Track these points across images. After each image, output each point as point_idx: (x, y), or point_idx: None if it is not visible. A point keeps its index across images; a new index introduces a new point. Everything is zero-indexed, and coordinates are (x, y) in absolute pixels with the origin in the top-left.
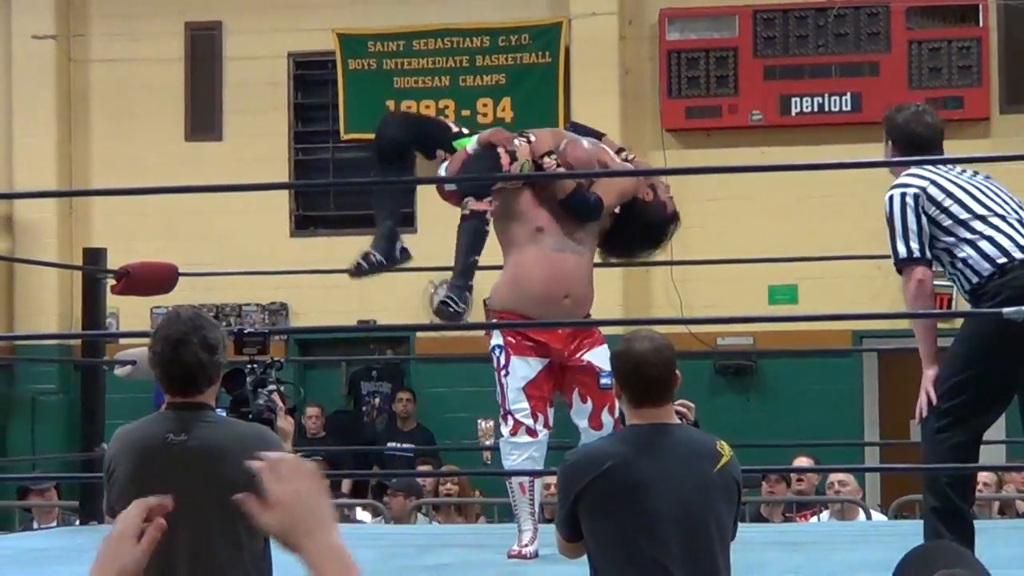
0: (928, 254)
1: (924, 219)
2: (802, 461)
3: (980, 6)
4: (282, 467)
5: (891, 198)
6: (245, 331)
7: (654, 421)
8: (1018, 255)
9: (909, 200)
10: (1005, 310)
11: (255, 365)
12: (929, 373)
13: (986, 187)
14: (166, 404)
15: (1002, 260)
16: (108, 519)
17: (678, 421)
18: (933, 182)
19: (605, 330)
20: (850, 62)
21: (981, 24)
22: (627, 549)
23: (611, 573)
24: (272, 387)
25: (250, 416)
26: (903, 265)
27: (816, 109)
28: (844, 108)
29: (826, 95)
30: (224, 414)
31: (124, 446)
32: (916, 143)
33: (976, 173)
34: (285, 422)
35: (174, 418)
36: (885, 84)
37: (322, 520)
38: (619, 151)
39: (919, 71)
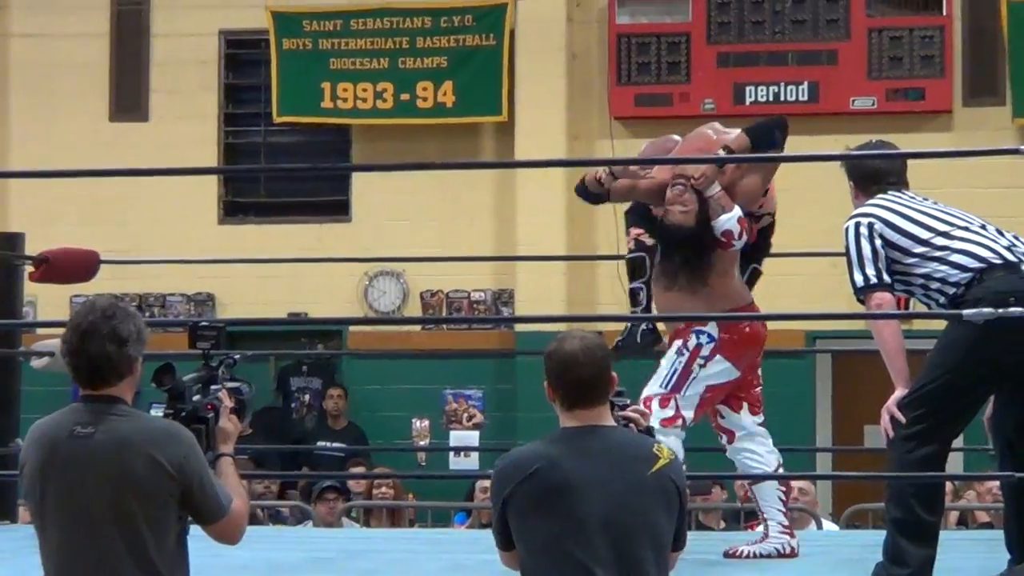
0: (886, 278)
1: (880, 244)
2: None
3: None
4: None
5: (847, 229)
6: (200, 323)
7: (587, 423)
8: (995, 260)
9: (863, 229)
10: (964, 312)
11: (208, 360)
12: (898, 394)
13: (942, 208)
14: (80, 397)
15: (977, 266)
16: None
17: (613, 424)
18: (889, 208)
19: (551, 325)
20: (807, 50)
21: (945, 12)
22: (553, 553)
23: None
24: (224, 385)
25: (183, 413)
26: (861, 293)
27: (771, 99)
28: (800, 98)
29: (782, 84)
30: (159, 410)
31: (34, 439)
32: (873, 177)
33: (926, 199)
34: (228, 422)
35: (84, 410)
36: (844, 73)
37: None
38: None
39: (879, 60)
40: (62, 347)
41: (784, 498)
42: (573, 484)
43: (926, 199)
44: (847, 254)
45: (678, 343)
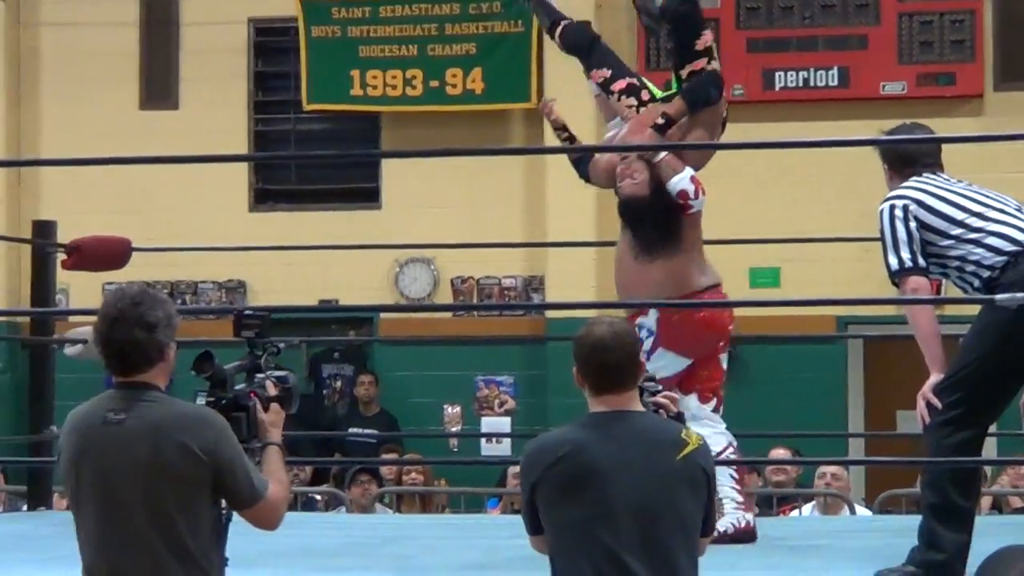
0: (922, 262)
1: (915, 227)
2: (779, 452)
3: None
4: None
5: (881, 212)
6: (244, 311)
7: (615, 408)
8: None
9: (898, 212)
10: (997, 297)
11: (252, 349)
12: (933, 379)
13: (976, 189)
14: (113, 384)
15: (1012, 249)
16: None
17: (641, 409)
18: (923, 190)
19: (581, 311)
20: (837, 35)
21: None
22: (582, 538)
23: (566, 563)
24: (268, 373)
25: (223, 402)
26: (897, 277)
27: (801, 84)
28: (830, 83)
29: (812, 69)
30: (203, 399)
31: (69, 427)
32: (907, 159)
33: (960, 181)
34: (270, 412)
35: (116, 397)
36: (874, 58)
37: None
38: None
39: (909, 45)
40: (93, 335)
41: (736, 476)
42: (601, 469)
43: (960, 181)
44: (882, 237)
45: None
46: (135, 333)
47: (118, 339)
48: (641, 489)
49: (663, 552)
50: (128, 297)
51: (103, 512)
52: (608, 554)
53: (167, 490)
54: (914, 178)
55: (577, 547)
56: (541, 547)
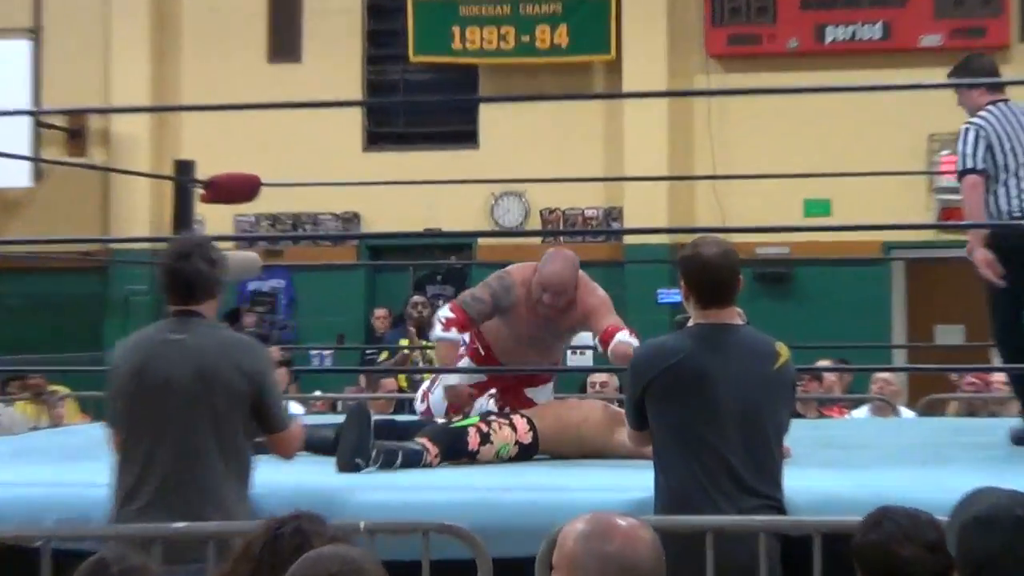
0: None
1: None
2: (824, 363)
3: None
4: None
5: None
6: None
7: (718, 321)
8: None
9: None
10: None
11: (264, 323)
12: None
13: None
14: (170, 312)
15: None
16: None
17: (740, 323)
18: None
19: (654, 238)
20: None
21: None
22: (689, 436)
23: (672, 457)
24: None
25: None
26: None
27: (849, 37)
28: (874, 36)
29: (859, 24)
30: None
31: (131, 345)
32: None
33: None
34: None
35: (175, 322)
36: (913, 14)
37: None
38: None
39: (944, 2)
40: (159, 270)
41: None
42: (708, 375)
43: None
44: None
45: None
46: (200, 265)
47: (187, 270)
48: (743, 395)
49: (760, 452)
50: (194, 240)
51: (161, 415)
52: (714, 453)
53: (216, 398)
54: (991, 108)
55: (685, 445)
56: (641, 441)
